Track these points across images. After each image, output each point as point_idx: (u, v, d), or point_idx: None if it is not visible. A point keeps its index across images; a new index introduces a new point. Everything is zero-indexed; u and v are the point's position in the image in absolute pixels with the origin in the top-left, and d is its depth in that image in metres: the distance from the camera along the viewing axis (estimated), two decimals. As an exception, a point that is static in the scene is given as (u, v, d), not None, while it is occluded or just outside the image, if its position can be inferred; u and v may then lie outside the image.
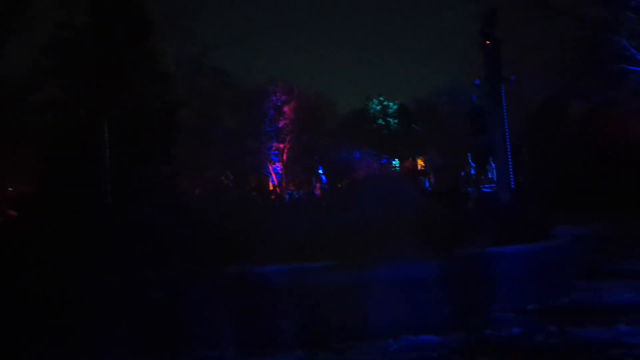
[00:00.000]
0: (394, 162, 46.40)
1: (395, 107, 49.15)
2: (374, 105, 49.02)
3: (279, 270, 8.63)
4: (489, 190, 21.31)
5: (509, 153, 16.06)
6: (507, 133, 16.11)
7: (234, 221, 10.11)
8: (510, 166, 16.00)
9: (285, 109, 38.50)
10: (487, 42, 15.92)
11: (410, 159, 45.96)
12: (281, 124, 38.43)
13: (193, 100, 28.20)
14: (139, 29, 16.97)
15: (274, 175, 38.57)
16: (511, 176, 16.05)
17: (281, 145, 38.42)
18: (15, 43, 15.55)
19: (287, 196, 33.97)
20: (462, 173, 26.26)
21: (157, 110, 17.66)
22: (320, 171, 40.40)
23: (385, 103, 49.02)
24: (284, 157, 38.42)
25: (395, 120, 48.30)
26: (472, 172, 25.81)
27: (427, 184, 29.18)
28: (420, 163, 45.56)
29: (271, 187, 38.45)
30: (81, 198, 12.81)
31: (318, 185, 39.29)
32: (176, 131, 20.40)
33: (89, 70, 15.91)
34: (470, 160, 25.22)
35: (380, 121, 48.02)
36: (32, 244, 8.06)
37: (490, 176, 22.82)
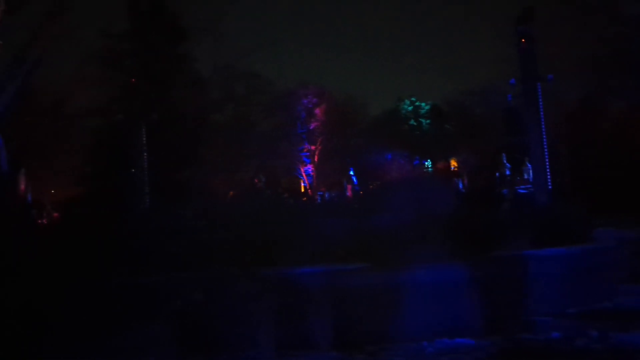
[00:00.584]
0: (426, 163, 45.91)
1: (427, 107, 48.62)
2: (405, 106, 48.63)
3: (313, 271, 8.71)
4: (524, 191, 20.85)
5: (545, 153, 15.70)
6: (543, 132, 15.74)
7: (267, 223, 10.23)
8: (547, 166, 15.64)
9: (317, 111, 38.64)
10: (523, 40, 15.62)
11: (443, 160, 45.40)
12: (312, 126, 38.59)
13: (226, 104, 28.66)
14: (174, 35, 17.39)
15: (305, 177, 38.75)
16: (548, 177, 15.69)
17: (312, 147, 38.58)
18: (58, 52, 16.09)
19: (319, 198, 34.06)
20: (497, 174, 25.82)
21: (192, 115, 18.04)
22: (352, 172, 40.30)
23: (417, 104, 48.57)
24: (315, 159, 38.56)
25: (428, 121, 47.78)
26: (507, 172, 25.33)
27: (460, 185, 28.78)
28: (453, 164, 44.96)
29: (303, 189, 38.63)
30: (121, 200, 13.22)
31: (349, 186, 39.21)
32: (210, 135, 20.82)
33: (128, 77, 16.38)
34: (504, 161, 24.75)
35: (412, 122, 47.60)
36: (74, 244, 8.35)
37: (525, 177, 22.32)
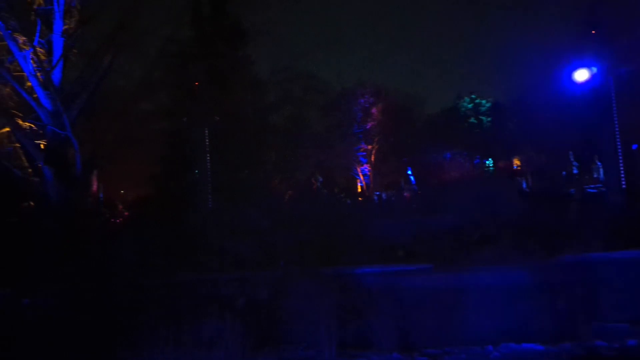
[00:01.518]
0: (487, 162, 44.59)
1: (488, 104, 47.22)
2: (465, 104, 47.46)
3: (373, 271, 8.69)
4: (594, 191, 19.81)
5: (619, 150, 14.82)
6: (616, 129, 14.87)
7: (327, 223, 10.31)
8: (620, 164, 14.76)
9: (373, 110, 38.41)
10: (593, 32, 14.83)
11: (506, 159, 43.90)
12: (369, 125, 38.41)
13: (284, 106, 29.04)
14: (235, 39, 17.83)
15: (362, 177, 38.64)
16: (622, 176, 14.81)
17: (369, 147, 38.38)
18: (125, 57, 16.89)
19: (376, 198, 33.86)
20: (564, 173, 24.62)
21: (251, 116, 18.43)
22: (409, 172, 39.79)
23: (477, 101, 47.27)
24: (372, 159, 38.35)
25: (488, 119, 46.38)
26: (575, 171, 24.13)
27: (524, 185, 27.71)
28: (516, 162, 43.39)
29: (359, 189, 38.54)
30: (186, 200, 13.73)
31: (407, 186, 38.70)
32: (268, 136, 21.21)
33: (191, 81, 16.93)
34: (571, 159, 23.59)
35: (472, 120, 46.39)
36: (144, 242, 8.74)
37: (595, 176, 21.21)
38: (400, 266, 9.05)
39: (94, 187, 22.02)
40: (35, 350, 6.21)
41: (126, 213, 20.76)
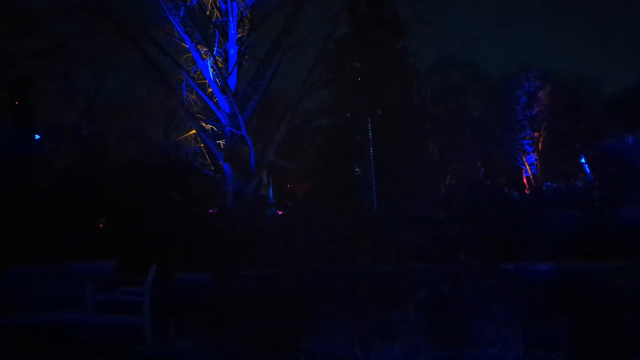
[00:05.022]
0: (681, 147, 38.28)
1: (682, 79, 40.47)
2: (652, 80, 41.28)
3: (556, 268, 7.99)
4: None
5: None
6: None
7: (498, 216, 9.75)
8: None
9: (540, 94, 35.38)
10: None
11: None
12: (535, 111, 35.49)
13: (443, 95, 28.29)
14: (393, 32, 17.79)
15: (528, 167, 35.91)
16: None
17: (535, 134, 35.49)
18: (289, 59, 17.91)
19: (545, 189, 31.21)
20: None
21: (411, 107, 18.22)
22: (583, 160, 35.96)
23: (667, 76, 40.82)
24: (539, 147, 35.39)
25: (683, 96, 39.76)
26: None
27: None
28: None
29: (525, 180, 35.89)
30: (350, 192, 14.12)
31: (580, 176, 35.05)
32: (427, 126, 20.81)
33: (351, 76, 17.32)
34: None
35: (661, 98, 40.19)
36: (318, 233, 9.13)
37: None
38: (586, 264, 8.21)
39: (265, 181, 23.92)
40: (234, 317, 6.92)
41: (289, 205, 22.13)
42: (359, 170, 16.83)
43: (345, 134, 17.53)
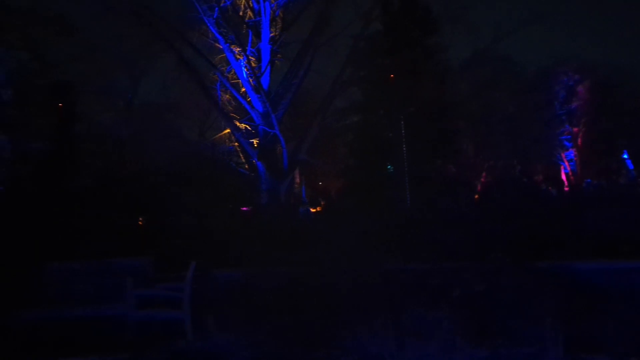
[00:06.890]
0: None
1: None
2: (699, 72, 39.50)
3: (595, 268, 7.77)
4: None
5: None
6: None
7: (536, 214, 9.52)
8: None
9: (579, 88, 34.30)
10: None
11: None
12: (574, 105, 34.44)
13: (477, 91, 27.83)
14: (425, 29, 17.60)
15: (567, 163, 34.90)
16: None
17: (575, 130, 34.44)
18: (321, 58, 17.97)
19: (585, 186, 30.30)
20: None
21: (443, 104, 17.98)
22: (625, 156, 34.77)
23: None
24: (579, 143, 34.33)
25: None
26: None
27: None
28: None
29: (564, 177, 34.90)
30: (382, 190, 14.07)
31: (623, 172, 33.95)
32: (459, 123, 20.49)
33: (383, 74, 17.24)
34: None
35: None
36: (351, 232, 9.13)
37: None
38: (629, 263, 7.94)
39: (297, 179, 24.06)
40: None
41: (322, 202, 22.20)
42: (391, 168, 16.73)
43: (377, 131, 17.45)
